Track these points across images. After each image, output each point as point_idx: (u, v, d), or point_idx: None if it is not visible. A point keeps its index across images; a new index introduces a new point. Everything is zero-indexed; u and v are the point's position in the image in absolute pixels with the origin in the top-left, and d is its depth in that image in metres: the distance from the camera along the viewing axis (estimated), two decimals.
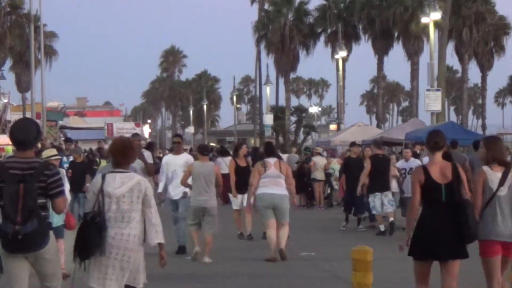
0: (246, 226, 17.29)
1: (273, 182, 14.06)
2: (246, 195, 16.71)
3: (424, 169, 8.42)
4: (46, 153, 12.22)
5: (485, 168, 8.53)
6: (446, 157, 17.85)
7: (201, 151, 14.67)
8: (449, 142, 22.46)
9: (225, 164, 25.18)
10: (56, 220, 11.24)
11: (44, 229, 7.32)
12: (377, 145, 19.60)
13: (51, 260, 7.46)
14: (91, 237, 7.43)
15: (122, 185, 7.65)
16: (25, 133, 7.41)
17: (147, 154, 14.52)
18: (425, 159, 19.24)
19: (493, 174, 8.46)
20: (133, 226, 7.59)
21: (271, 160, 14.32)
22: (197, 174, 14.05)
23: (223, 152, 27.97)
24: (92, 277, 7.58)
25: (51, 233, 7.51)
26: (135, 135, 15.37)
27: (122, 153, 7.81)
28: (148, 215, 7.65)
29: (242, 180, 17.26)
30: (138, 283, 7.64)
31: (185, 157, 15.29)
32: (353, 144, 21.25)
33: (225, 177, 22.97)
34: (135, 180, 7.69)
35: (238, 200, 17.97)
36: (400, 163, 19.53)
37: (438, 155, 8.51)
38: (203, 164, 14.26)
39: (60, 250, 10.73)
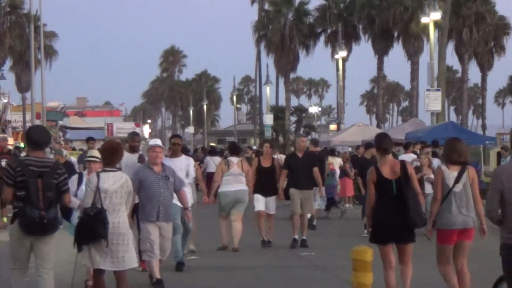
0: (267, 232, 16.10)
1: (235, 180, 15.47)
2: (270, 198, 16.05)
3: (376, 168, 9.75)
4: (90, 153, 11.27)
5: (443, 167, 9.74)
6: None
7: (183, 151, 15.89)
8: (431, 142, 22.59)
9: (213, 163, 25.23)
10: None
11: (58, 217, 8.93)
12: (314, 143, 20.40)
13: (53, 242, 8.93)
14: (96, 230, 8.94)
15: (114, 182, 9.25)
16: (42, 137, 9.04)
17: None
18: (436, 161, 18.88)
19: (450, 173, 9.57)
20: (121, 215, 9.27)
21: (234, 160, 15.78)
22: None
23: (212, 152, 28.28)
24: (95, 261, 9.15)
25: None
26: (135, 134, 13.67)
27: (110, 154, 9.49)
28: (127, 206, 9.47)
29: (264, 181, 16.04)
30: (130, 263, 9.28)
31: (184, 160, 13.54)
32: (369, 145, 19.71)
33: (211, 175, 22.80)
34: (124, 178, 9.37)
35: (259, 202, 16.15)
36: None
37: (388, 156, 9.85)
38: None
39: None
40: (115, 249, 9.15)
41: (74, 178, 10.99)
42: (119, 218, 9.22)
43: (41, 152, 8.93)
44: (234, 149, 16.57)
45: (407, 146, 21.62)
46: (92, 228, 8.96)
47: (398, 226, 9.59)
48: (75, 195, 10.54)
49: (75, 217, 10.16)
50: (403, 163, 9.98)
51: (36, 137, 8.97)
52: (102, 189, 9.15)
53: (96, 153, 11.02)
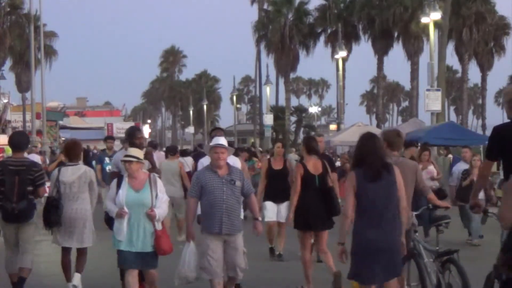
0: (278, 243, 14.76)
1: None
2: (282, 205, 14.30)
3: (303, 164, 11.35)
4: (130, 151, 9.77)
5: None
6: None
7: (170, 151, 18.27)
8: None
9: (185, 163, 25.86)
10: (142, 244, 9.41)
11: (31, 207, 10.50)
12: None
13: (30, 229, 10.61)
14: (50, 215, 10.54)
15: (72, 174, 10.70)
16: (20, 141, 10.78)
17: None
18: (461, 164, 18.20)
19: None
20: (81, 203, 10.75)
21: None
22: (165, 170, 16.77)
23: (183, 153, 29.64)
24: (57, 239, 10.78)
25: (35, 211, 10.59)
26: (136, 130, 11.52)
27: (68, 152, 11.07)
28: (91, 197, 10.87)
29: (276, 186, 14.23)
30: (86, 242, 10.83)
31: (231, 160, 10.80)
32: (410, 144, 16.72)
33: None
34: (82, 170, 10.82)
35: (270, 211, 14.50)
36: (462, 165, 17.71)
37: (314, 155, 11.41)
38: (170, 162, 17.53)
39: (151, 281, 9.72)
40: (74, 230, 10.68)
41: (114, 182, 9.75)
42: (78, 205, 10.71)
43: (20, 153, 10.71)
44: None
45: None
46: (46, 213, 10.58)
47: (320, 215, 11.22)
48: (114, 201, 9.53)
49: (115, 226, 9.50)
50: (323, 161, 11.53)
51: (15, 142, 10.78)
52: (61, 181, 10.67)
53: (134, 151, 9.75)
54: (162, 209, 9.49)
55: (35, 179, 10.49)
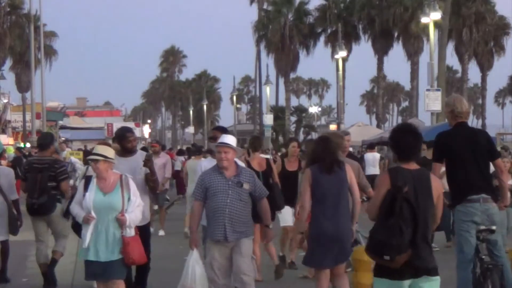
0: (290, 250, 13.48)
1: None
2: (292, 209, 12.85)
3: (247, 162, 11.85)
4: (97, 149, 8.80)
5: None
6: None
7: (195, 151, 19.31)
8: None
9: (179, 162, 27.44)
10: (110, 254, 8.43)
11: (52, 201, 11.19)
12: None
13: (57, 222, 11.32)
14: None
15: None
16: (44, 141, 11.70)
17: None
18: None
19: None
20: None
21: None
22: (191, 169, 17.28)
23: (179, 152, 31.21)
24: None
25: (58, 204, 11.21)
26: (127, 131, 10.23)
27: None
28: None
29: (289, 188, 12.58)
30: None
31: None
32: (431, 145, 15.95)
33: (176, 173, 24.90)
34: None
35: (285, 215, 13.07)
36: None
37: (257, 152, 12.26)
38: (194, 162, 17.73)
39: None
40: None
41: (81, 184, 8.93)
42: None
43: (44, 152, 11.48)
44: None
45: (371, 146, 23.87)
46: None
47: None
48: (82, 205, 8.59)
49: (82, 233, 8.56)
50: (267, 159, 12.39)
51: (39, 141, 11.88)
52: None
53: (101, 149, 8.67)
54: (134, 214, 8.46)
55: (57, 175, 11.24)
